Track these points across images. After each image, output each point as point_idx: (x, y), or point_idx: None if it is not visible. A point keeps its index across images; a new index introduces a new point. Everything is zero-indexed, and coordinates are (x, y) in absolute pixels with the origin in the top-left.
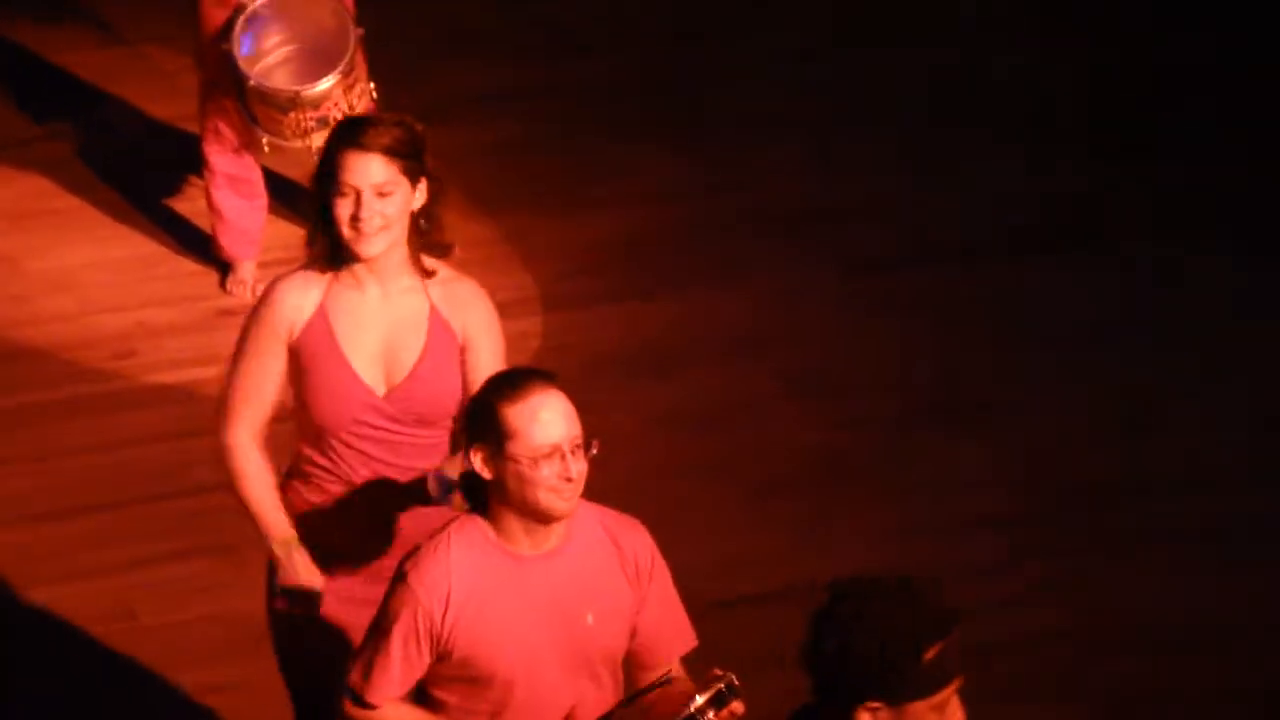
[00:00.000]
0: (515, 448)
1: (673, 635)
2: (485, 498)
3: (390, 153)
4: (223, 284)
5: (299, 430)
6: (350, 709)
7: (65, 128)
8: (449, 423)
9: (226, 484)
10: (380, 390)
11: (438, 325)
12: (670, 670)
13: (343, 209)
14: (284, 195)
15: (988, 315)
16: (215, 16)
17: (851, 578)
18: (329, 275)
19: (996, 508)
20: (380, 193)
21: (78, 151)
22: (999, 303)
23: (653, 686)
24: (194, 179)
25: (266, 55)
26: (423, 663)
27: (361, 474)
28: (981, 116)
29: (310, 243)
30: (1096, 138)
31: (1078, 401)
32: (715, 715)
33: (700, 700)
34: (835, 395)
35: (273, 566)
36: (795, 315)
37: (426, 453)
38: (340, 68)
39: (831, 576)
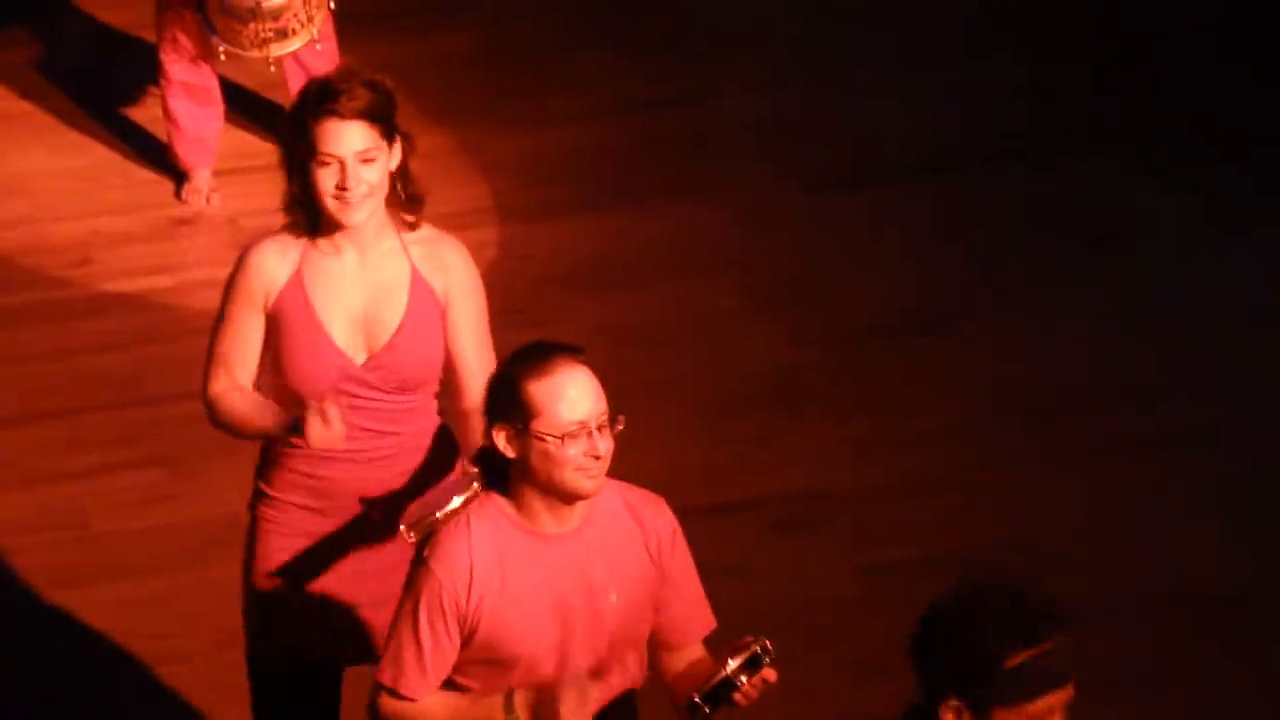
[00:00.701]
0: (541, 425)
1: (694, 615)
2: (505, 476)
3: (369, 117)
4: (178, 193)
5: (276, 399)
6: (388, 705)
7: (20, 35)
8: (433, 386)
9: (228, 432)
10: (360, 358)
11: (419, 287)
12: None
13: (325, 179)
14: (240, 104)
15: (953, 231)
16: None
17: (970, 579)
18: (304, 240)
19: (954, 424)
20: (364, 159)
21: (32, 59)
22: (965, 218)
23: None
24: (150, 87)
25: None
26: (454, 646)
27: (346, 444)
28: (951, 26)
29: (287, 211)
30: (1071, 42)
31: (1044, 318)
32: (748, 680)
33: (733, 665)
34: (794, 312)
35: (251, 536)
36: (756, 231)
37: (407, 417)
38: None
39: (783, 489)
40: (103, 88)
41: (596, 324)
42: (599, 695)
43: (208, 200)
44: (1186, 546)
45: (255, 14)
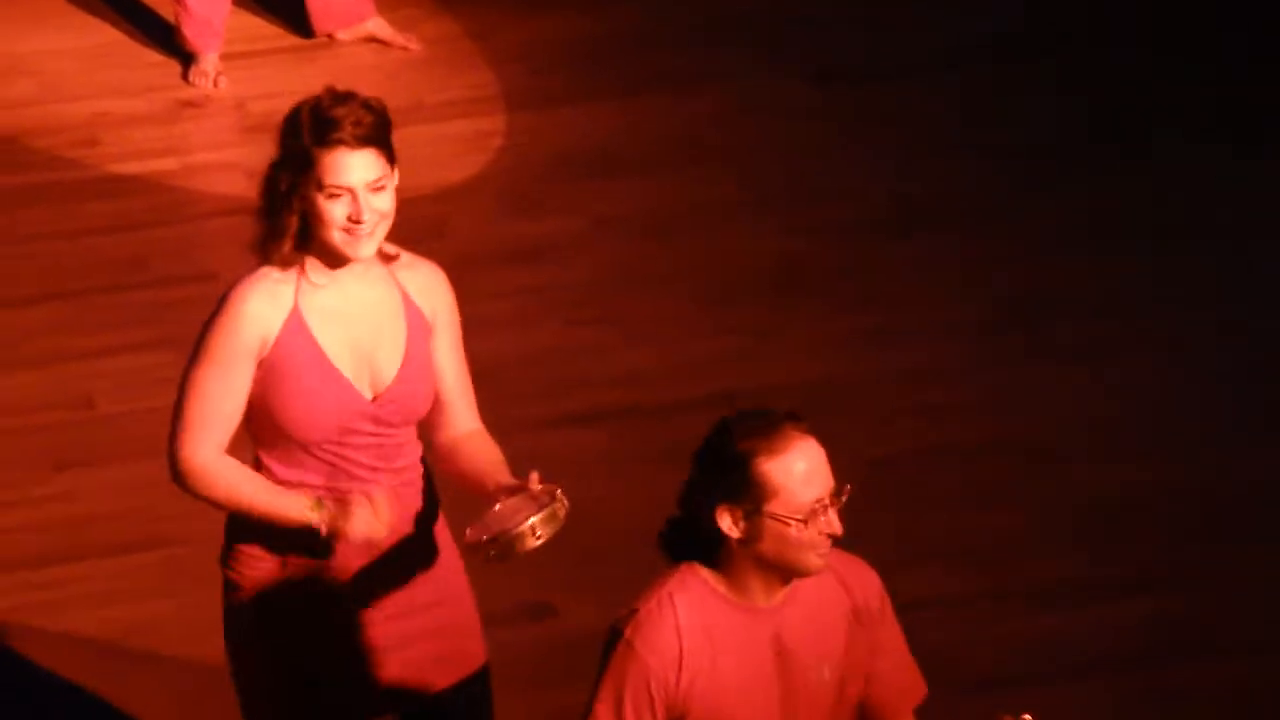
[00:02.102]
0: (777, 508)
1: (906, 683)
2: (716, 550)
3: (376, 143)
4: (185, 75)
5: (261, 446)
6: None
7: None
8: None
9: (221, 506)
10: (368, 394)
11: (414, 315)
12: None
13: (335, 212)
14: (264, 4)
15: (956, 126)
16: None
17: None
18: (294, 275)
19: (953, 316)
20: (374, 188)
21: None
22: (968, 114)
23: None
24: None
25: None
26: None
27: (348, 481)
28: None
29: (270, 243)
30: None
31: (1045, 214)
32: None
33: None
34: (795, 203)
35: (238, 603)
36: (759, 123)
37: (406, 450)
38: None
39: (783, 381)
40: None
41: (598, 214)
42: None
43: (215, 83)
44: (1185, 445)
45: None
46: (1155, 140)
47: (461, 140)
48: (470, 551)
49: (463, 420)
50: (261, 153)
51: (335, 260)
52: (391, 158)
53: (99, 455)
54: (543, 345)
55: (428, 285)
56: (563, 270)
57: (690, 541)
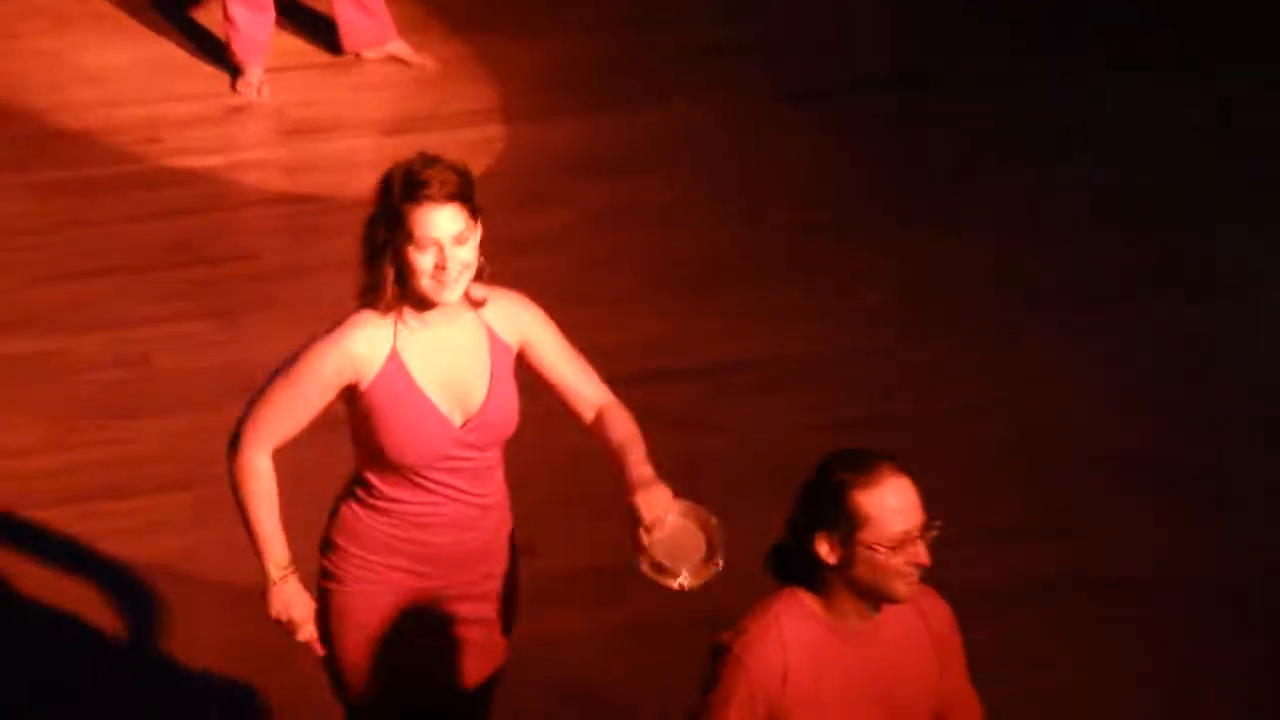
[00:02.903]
0: (870, 536)
1: (969, 704)
2: (816, 575)
3: (460, 199)
4: (233, 85)
5: (366, 466)
6: None
7: None
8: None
9: (234, 496)
10: (458, 421)
11: (497, 346)
12: None
13: (424, 262)
14: (289, 12)
15: (911, 136)
16: None
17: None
18: (391, 320)
19: (905, 301)
20: (458, 240)
21: None
22: (935, 126)
23: None
24: None
25: None
26: None
27: (448, 504)
28: None
29: (373, 291)
30: None
31: (1014, 209)
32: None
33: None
34: (765, 202)
35: (332, 595)
36: (720, 134)
37: (493, 472)
38: None
39: (748, 355)
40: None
41: (594, 207)
42: None
43: (259, 93)
44: (1133, 407)
45: None
46: (1112, 143)
47: (469, 145)
48: (634, 556)
49: (593, 398)
50: (296, 152)
51: (426, 305)
52: (474, 213)
53: (152, 406)
54: None
55: (509, 315)
56: (554, 257)
57: (793, 566)
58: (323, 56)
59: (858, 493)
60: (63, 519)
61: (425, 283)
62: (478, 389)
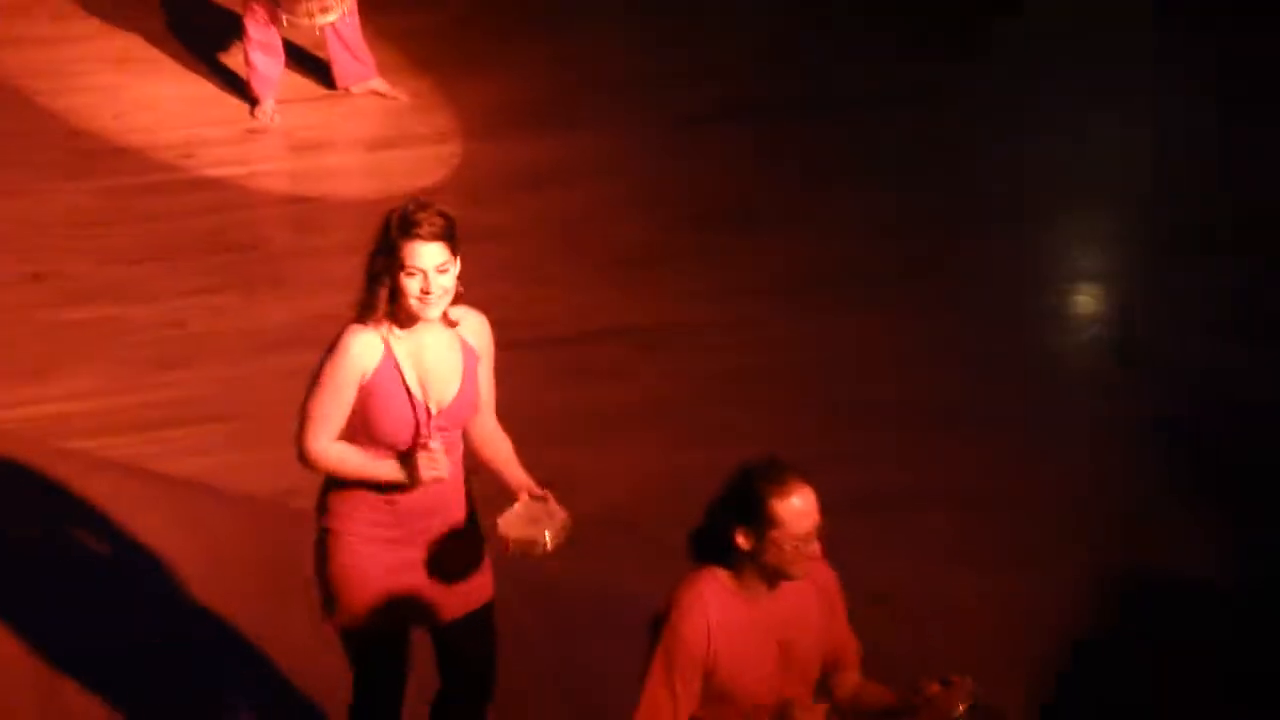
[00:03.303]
0: (779, 534)
1: (851, 643)
2: (732, 558)
3: (444, 238)
4: (252, 113)
5: (355, 440)
6: None
7: (151, 5)
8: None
9: (332, 473)
10: (434, 409)
11: (468, 353)
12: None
13: (412, 285)
14: (295, 55)
15: (791, 151)
16: None
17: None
18: (385, 329)
19: (755, 278)
20: (440, 270)
21: (163, 23)
22: (802, 142)
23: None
24: (235, 42)
25: None
26: (696, 690)
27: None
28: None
29: (368, 306)
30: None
31: (847, 211)
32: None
33: (962, 710)
34: (666, 204)
35: (326, 545)
36: (638, 151)
37: (458, 446)
38: None
39: (640, 320)
40: (203, 42)
41: (526, 212)
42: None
43: (271, 119)
44: (909, 362)
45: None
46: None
47: (434, 159)
48: (498, 542)
49: (489, 420)
50: (300, 164)
51: (412, 319)
52: (455, 249)
53: (189, 360)
54: (487, 298)
55: (476, 330)
56: (499, 248)
57: (712, 548)
58: (320, 91)
59: (774, 500)
60: (127, 444)
61: (413, 303)
62: (452, 385)
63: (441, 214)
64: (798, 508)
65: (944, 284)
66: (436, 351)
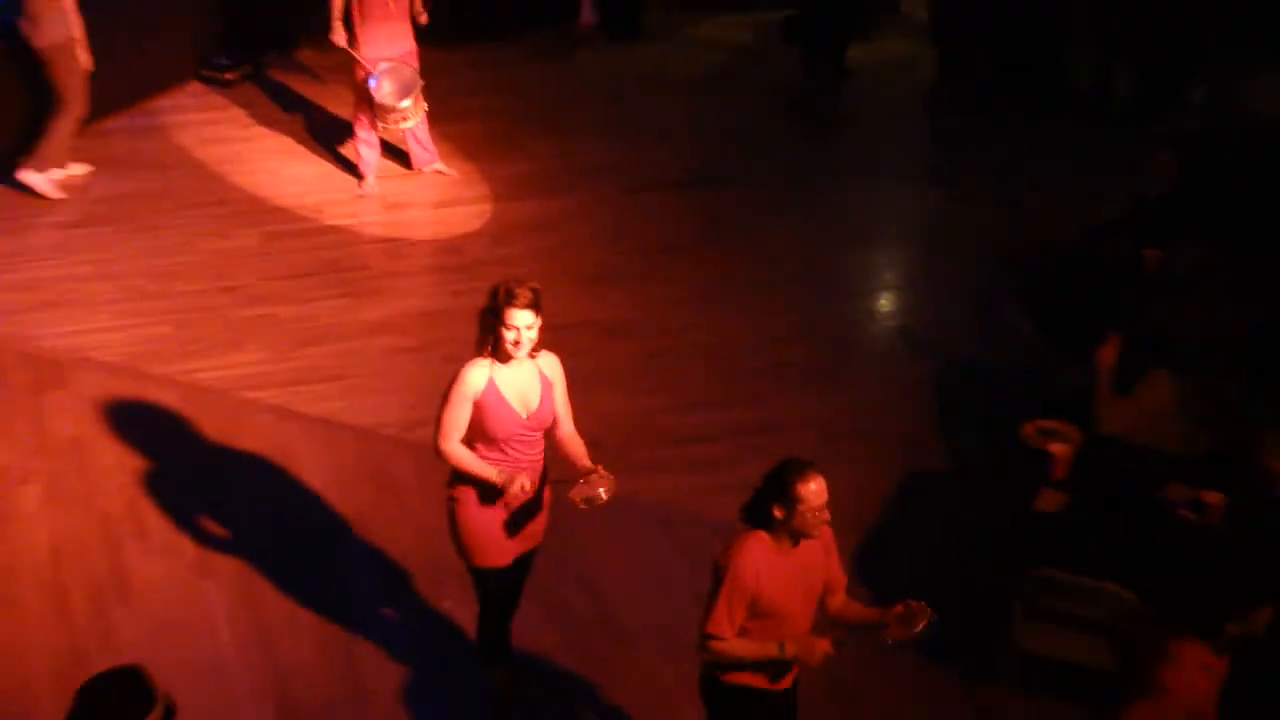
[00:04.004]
0: (803, 507)
1: (841, 577)
2: (769, 523)
3: (533, 306)
4: (359, 184)
5: (474, 441)
6: (714, 644)
7: (296, 115)
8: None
9: (459, 467)
10: (524, 416)
11: (544, 380)
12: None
13: (509, 336)
14: (386, 148)
15: (704, 208)
16: (361, 70)
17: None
18: (490, 362)
19: (680, 293)
20: (528, 328)
21: (304, 125)
22: (707, 202)
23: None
24: (349, 139)
25: (382, 87)
26: (744, 612)
27: (517, 458)
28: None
29: (480, 347)
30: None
31: (737, 246)
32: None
33: (922, 626)
34: (616, 240)
35: (456, 509)
36: (602, 208)
37: (540, 443)
38: (414, 95)
39: (601, 315)
40: (330, 139)
41: (533, 247)
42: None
43: (372, 189)
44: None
45: (395, 110)
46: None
47: (475, 214)
48: (572, 500)
49: (567, 426)
50: (391, 217)
51: (508, 358)
52: (539, 312)
53: (319, 340)
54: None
55: (551, 366)
56: (510, 269)
57: (757, 517)
58: (402, 170)
59: (799, 485)
60: (282, 395)
61: (510, 348)
62: (534, 401)
63: (533, 289)
64: (814, 490)
65: (804, 290)
66: (524, 379)
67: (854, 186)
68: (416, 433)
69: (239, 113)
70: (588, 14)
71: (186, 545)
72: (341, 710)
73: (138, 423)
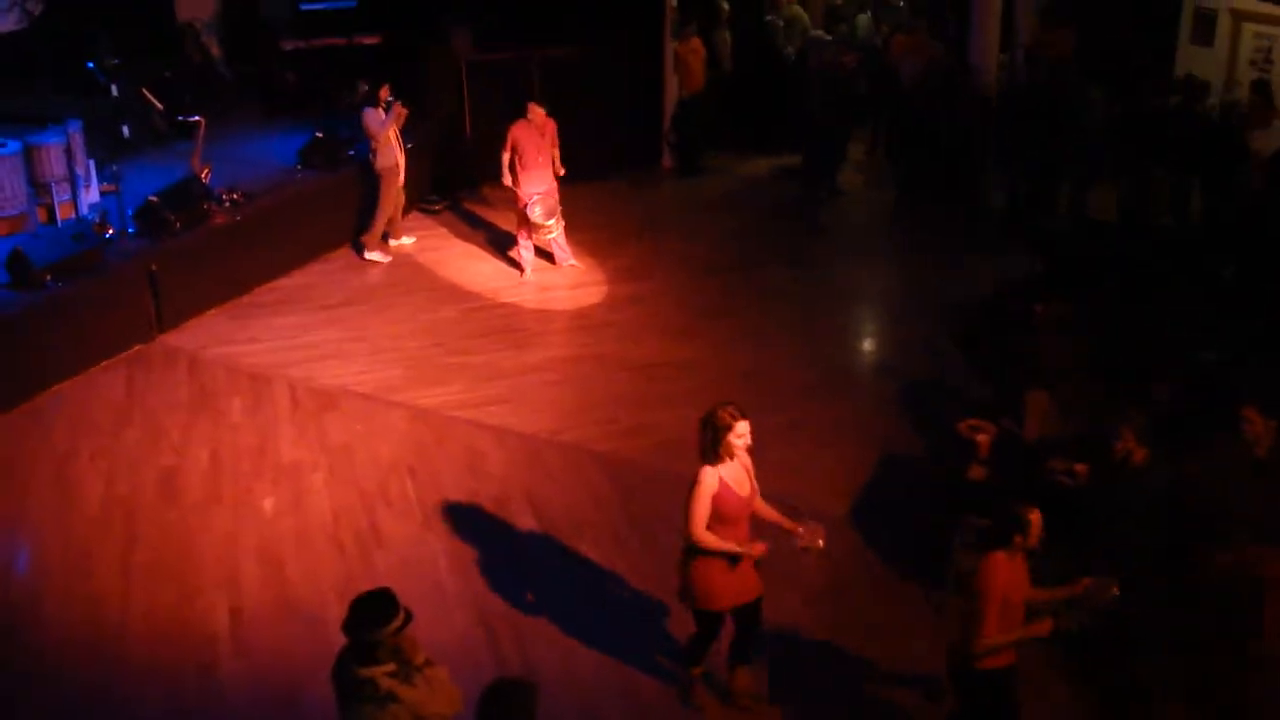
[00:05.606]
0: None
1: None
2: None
3: (747, 417)
4: (521, 275)
5: (713, 523)
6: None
7: (477, 228)
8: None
9: (711, 550)
10: (744, 496)
11: (745, 467)
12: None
13: (739, 442)
14: (538, 250)
15: (737, 288)
16: (521, 200)
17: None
18: (717, 465)
19: (732, 310)
20: (750, 435)
21: (485, 238)
22: (745, 285)
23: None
24: (513, 245)
25: (534, 211)
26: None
27: (741, 530)
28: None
29: (710, 455)
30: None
31: (762, 310)
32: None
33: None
34: (685, 308)
35: (697, 566)
36: (682, 281)
37: (752, 519)
38: (556, 216)
39: (685, 355)
40: (501, 247)
41: (630, 313)
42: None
43: (529, 277)
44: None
45: (543, 227)
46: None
47: (595, 293)
48: (796, 550)
49: (757, 500)
50: (541, 296)
51: (730, 457)
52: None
53: (494, 379)
54: (611, 347)
55: (745, 457)
56: (621, 316)
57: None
58: (548, 265)
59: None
60: (469, 413)
61: (741, 449)
62: (748, 487)
63: (744, 413)
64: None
65: (811, 334)
66: (739, 471)
67: (840, 264)
68: (560, 437)
69: (443, 230)
70: (667, 159)
71: (416, 510)
72: (521, 610)
73: (382, 432)
